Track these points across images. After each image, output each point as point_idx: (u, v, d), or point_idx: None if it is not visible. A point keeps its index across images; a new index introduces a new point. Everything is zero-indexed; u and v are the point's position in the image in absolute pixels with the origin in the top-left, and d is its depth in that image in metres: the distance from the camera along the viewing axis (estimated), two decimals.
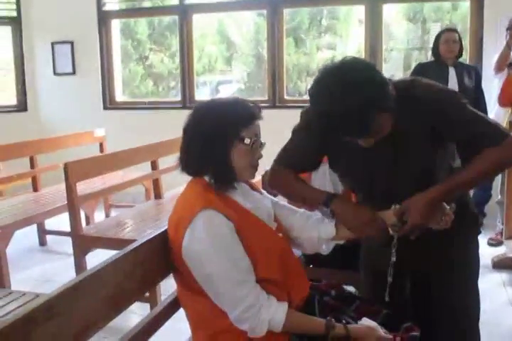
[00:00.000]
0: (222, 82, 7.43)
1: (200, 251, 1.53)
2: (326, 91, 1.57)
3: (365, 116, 1.56)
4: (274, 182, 1.99)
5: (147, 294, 3.08)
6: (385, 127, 1.69)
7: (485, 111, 4.29)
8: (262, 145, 1.69)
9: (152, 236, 1.68)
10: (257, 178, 2.32)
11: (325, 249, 1.87)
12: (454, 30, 4.49)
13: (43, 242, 4.86)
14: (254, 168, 1.69)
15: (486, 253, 4.12)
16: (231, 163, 1.62)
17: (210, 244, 1.52)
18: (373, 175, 1.82)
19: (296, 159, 1.92)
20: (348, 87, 1.53)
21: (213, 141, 1.60)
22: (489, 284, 3.65)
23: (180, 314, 1.75)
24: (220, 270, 1.53)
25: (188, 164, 1.68)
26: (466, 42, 5.14)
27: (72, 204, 3.18)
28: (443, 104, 1.69)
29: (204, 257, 1.53)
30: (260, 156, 1.69)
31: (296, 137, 1.92)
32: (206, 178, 1.66)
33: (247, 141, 1.61)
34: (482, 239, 4.43)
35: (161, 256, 1.67)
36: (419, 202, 1.67)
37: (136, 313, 2.80)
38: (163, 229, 1.70)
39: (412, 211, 1.67)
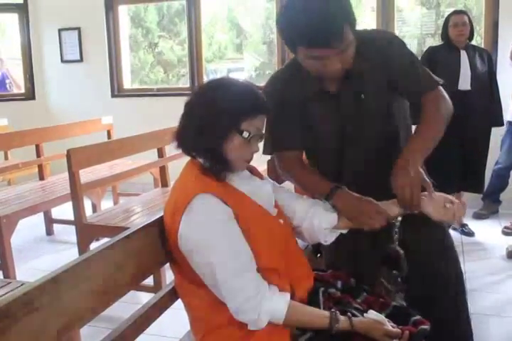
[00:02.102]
0: (233, 70, 7.34)
1: (196, 238, 1.44)
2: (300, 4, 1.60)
3: (339, 21, 1.56)
4: (284, 171, 1.98)
5: (152, 283, 3.03)
6: (349, 52, 1.66)
7: (498, 98, 4.15)
8: (261, 138, 1.58)
9: (145, 223, 1.59)
10: (262, 166, 2.24)
11: (327, 239, 1.77)
12: (463, 12, 4.27)
13: (50, 232, 4.81)
14: (247, 161, 1.58)
15: (501, 242, 4.02)
16: (224, 153, 1.51)
17: (207, 231, 1.43)
18: (341, 132, 1.84)
19: (285, 138, 1.90)
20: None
21: (209, 126, 1.49)
22: (503, 275, 3.54)
23: (180, 304, 1.67)
24: (217, 259, 1.43)
25: (183, 143, 1.59)
26: (481, 27, 5.01)
27: (75, 192, 3.13)
28: (392, 43, 1.79)
29: (201, 245, 1.44)
30: (256, 150, 1.57)
31: (275, 114, 1.76)
32: (202, 161, 1.57)
33: (245, 134, 1.50)
34: (497, 228, 4.34)
35: (157, 244, 1.59)
36: (400, 166, 1.65)
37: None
38: (158, 216, 1.61)
39: (395, 175, 1.65)
